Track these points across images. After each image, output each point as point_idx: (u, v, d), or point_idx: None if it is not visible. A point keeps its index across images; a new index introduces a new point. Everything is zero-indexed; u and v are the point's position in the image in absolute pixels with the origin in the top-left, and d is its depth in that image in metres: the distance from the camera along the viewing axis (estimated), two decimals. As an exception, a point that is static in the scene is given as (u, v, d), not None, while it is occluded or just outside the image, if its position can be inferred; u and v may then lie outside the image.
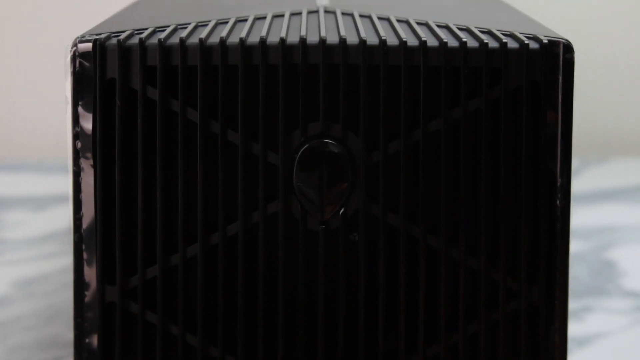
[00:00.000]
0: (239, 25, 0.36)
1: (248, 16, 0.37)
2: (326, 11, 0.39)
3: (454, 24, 0.36)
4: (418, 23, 0.36)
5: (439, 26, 0.36)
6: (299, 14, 0.38)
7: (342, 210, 0.34)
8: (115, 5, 0.79)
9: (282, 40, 0.33)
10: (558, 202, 0.34)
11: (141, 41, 0.33)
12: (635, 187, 0.72)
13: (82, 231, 0.34)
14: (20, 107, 0.82)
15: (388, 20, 0.37)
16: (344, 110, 0.33)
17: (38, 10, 0.80)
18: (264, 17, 0.37)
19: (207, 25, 0.35)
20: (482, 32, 0.35)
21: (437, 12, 0.39)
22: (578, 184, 0.71)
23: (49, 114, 0.81)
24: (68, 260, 0.55)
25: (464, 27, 0.35)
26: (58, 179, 0.73)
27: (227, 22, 0.36)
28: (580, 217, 0.63)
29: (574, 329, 0.45)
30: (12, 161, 0.79)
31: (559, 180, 0.34)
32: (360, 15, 0.38)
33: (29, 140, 0.82)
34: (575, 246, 0.58)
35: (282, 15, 0.38)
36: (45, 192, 0.71)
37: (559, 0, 0.81)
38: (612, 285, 0.52)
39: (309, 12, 0.39)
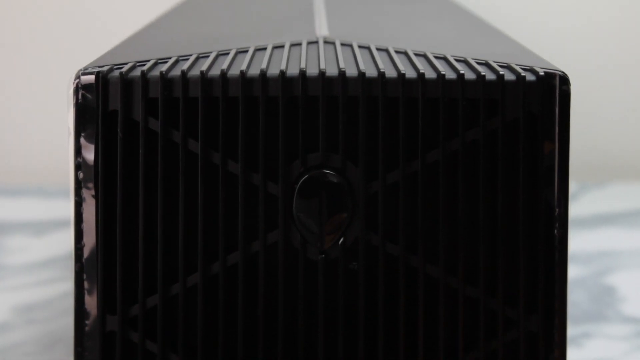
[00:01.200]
0: (240, 56, 0.36)
1: (249, 47, 0.38)
2: (326, 42, 0.39)
3: (452, 55, 0.36)
4: (416, 54, 0.37)
5: (436, 57, 0.36)
6: (299, 44, 0.39)
7: (341, 240, 0.34)
8: (118, 32, 0.80)
9: (282, 73, 0.33)
10: (556, 231, 0.34)
11: (143, 74, 0.33)
12: (633, 211, 0.73)
13: (83, 260, 0.35)
14: (21, 132, 0.83)
15: (386, 51, 0.37)
16: (343, 141, 0.34)
17: (41, 36, 0.81)
18: (265, 48, 0.38)
19: (208, 56, 0.36)
20: (479, 63, 0.35)
21: (435, 43, 0.40)
22: (576, 208, 0.72)
23: (50, 139, 0.82)
24: (68, 285, 0.55)
25: (462, 59, 0.36)
26: (58, 204, 0.74)
27: (227, 54, 0.37)
28: (579, 242, 0.64)
29: (574, 355, 0.45)
30: (12, 186, 0.79)
31: (557, 209, 0.34)
32: (359, 46, 0.38)
33: (29, 164, 0.83)
34: (574, 271, 0.58)
35: (282, 46, 0.38)
36: (46, 216, 0.71)
37: (557, 24, 0.82)
38: (611, 311, 0.52)
39: (309, 43, 0.39)
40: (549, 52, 0.80)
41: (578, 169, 0.81)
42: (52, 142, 0.82)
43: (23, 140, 0.83)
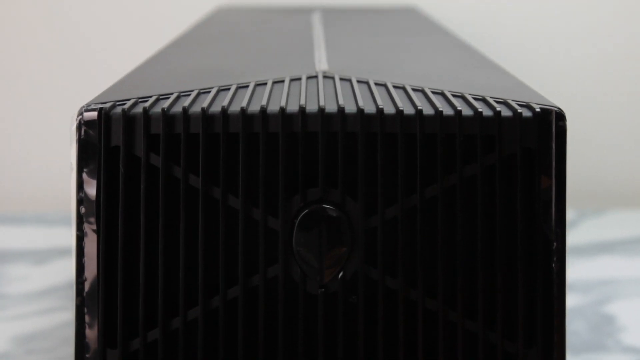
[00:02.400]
0: (240, 92, 0.37)
1: (249, 82, 0.38)
2: (325, 76, 0.40)
3: (449, 91, 0.37)
4: (414, 89, 0.37)
5: (434, 93, 0.36)
6: (299, 79, 0.39)
7: (341, 274, 0.35)
8: (120, 65, 0.80)
9: (282, 110, 0.34)
10: (553, 265, 0.35)
11: (145, 110, 0.34)
12: (632, 239, 0.73)
13: (84, 294, 0.35)
14: (21, 159, 0.83)
15: (385, 86, 0.38)
16: (342, 177, 0.34)
17: (41, 66, 0.82)
18: (265, 83, 0.38)
19: (209, 92, 0.36)
20: (476, 99, 0.36)
21: (432, 77, 0.40)
22: (575, 236, 0.72)
23: (50, 166, 0.82)
24: (68, 315, 0.55)
25: (459, 94, 0.36)
26: (58, 232, 0.74)
27: (228, 89, 0.37)
28: (578, 270, 0.64)
29: (574, 386, 0.45)
30: (12, 214, 0.79)
31: (554, 243, 0.35)
32: (358, 81, 0.39)
33: (29, 192, 0.83)
34: (573, 300, 0.58)
35: (283, 81, 0.39)
36: (46, 245, 0.72)
37: (554, 50, 0.82)
38: (611, 341, 0.52)
39: (308, 77, 0.40)
40: (546, 79, 0.81)
41: (577, 197, 0.82)
42: (52, 170, 0.82)
43: (23, 168, 0.83)
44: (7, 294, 0.61)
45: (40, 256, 0.68)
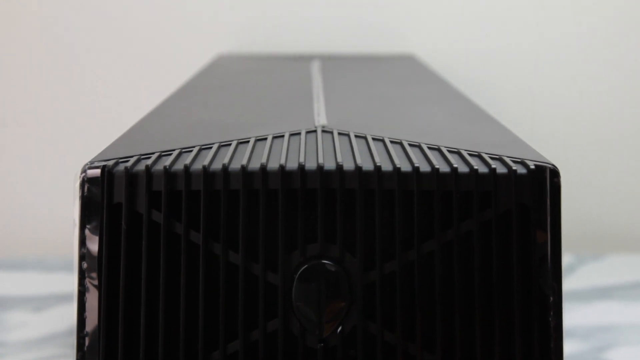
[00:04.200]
0: (241, 148, 0.37)
1: (249, 138, 0.39)
2: (324, 131, 0.41)
3: (445, 147, 0.37)
4: (411, 145, 0.38)
5: (430, 148, 0.37)
6: (298, 134, 0.40)
7: (340, 328, 0.35)
8: (121, 113, 0.81)
9: (282, 167, 0.34)
10: (550, 319, 0.35)
11: (147, 168, 0.34)
12: (631, 284, 0.73)
13: (85, 349, 0.35)
14: (22, 204, 0.84)
15: (382, 141, 0.39)
16: (341, 232, 0.35)
17: (41, 113, 0.83)
18: (265, 139, 0.39)
19: (210, 148, 0.37)
20: (471, 155, 0.36)
21: (429, 132, 0.41)
22: (573, 281, 0.72)
23: (50, 211, 0.83)
24: (67, 364, 0.55)
25: (455, 150, 0.37)
26: (59, 277, 0.74)
27: (229, 145, 0.38)
28: (577, 316, 0.64)
29: None
30: (12, 259, 0.79)
31: (551, 298, 0.35)
32: (356, 136, 0.40)
33: (29, 237, 0.83)
34: (573, 347, 0.58)
35: (282, 136, 0.39)
36: (46, 291, 0.72)
37: (552, 94, 0.83)
38: (611, 389, 0.52)
39: (308, 132, 0.40)
40: (543, 123, 0.82)
41: (575, 241, 0.82)
42: (52, 215, 0.83)
43: (23, 213, 0.84)
44: (6, 342, 0.61)
45: (39, 302, 0.68)
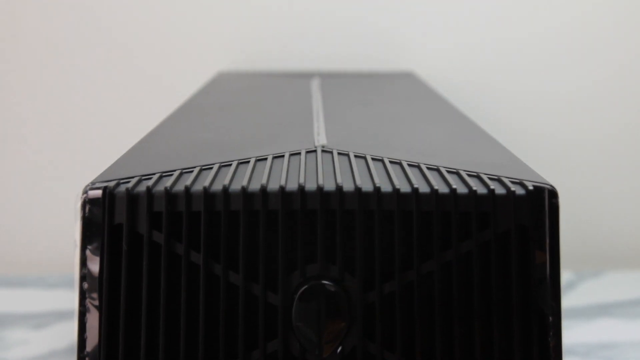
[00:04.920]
0: (241, 168, 0.38)
1: (250, 158, 0.39)
2: (323, 151, 0.41)
3: (444, 167, 0.38)
4: (410, 165, 0.38)
5: (429, 169, 0.37)
6: (298, 154, 0.40)
7: (340, 348, 0.35)
8: (123, 133, 0.81)
9: (282, 188, 0.34)
10: (550, 339, 0.35)
11: (148, 189, 0.35)
12: (631, 301, 0.73)
13: (86, 369, 0.35)
14: (22, 221, 0.84)
15: (382, 161, 0.39)
16: (340, 253, 0.35)
17: (37, 133, 0.83)
18: (265, 159, 0.39)
19: (211, 168, 0.37)
20: (470, 175, 0.36)
21: (428, 152, 0.41)
22: (573, 298, 0.72)
23: (51, 229, 0.83)
24: (67, 382, 0.55)
25: (454, 170, 0.37)
26: (59, 294, 0.74)
27: (230, 165, 0.38)
28: (577, 333, 0.64)
29: None
30: (13, 277, 0.79)
31: (550, 318, 0.35)
32: (356, 156, 0.40)
33: (30, 254, 0.83)
34: (573, 364, 0.58)
35: (282, 156, 0.40)
36: (46, 308, 0.72)
37: (551, 112, 0.84)
38: (612, 408, 0.52)
39: (307, 152, 0.41)
40: (541, 140, 0.82)
41: (575, 258, 0.82)
42: (52, 232, 0.83)
43: (24, 230, 0.84)
44: (7, 359, 0.61)
45: (40, 320, 0.68)
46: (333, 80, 0.72)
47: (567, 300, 0.71)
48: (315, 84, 0.69)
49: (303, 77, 0.74)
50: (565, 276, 0.77)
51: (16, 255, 0.84)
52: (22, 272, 0.82)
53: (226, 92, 0.65)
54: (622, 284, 0.77)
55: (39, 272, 0.81)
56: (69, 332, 0.65)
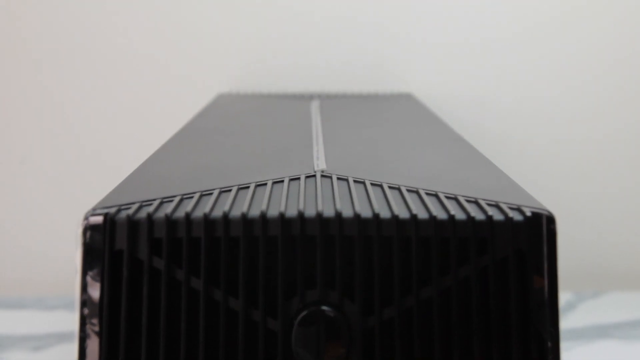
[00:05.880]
0: (241, 194, 0.38)
1: (250, 183, 0.39)
2: (323, 176, 0.41)
3: (442, 192, 0.38)
4: (409, 190, 0.38)
5: (428, 194, 0.38)
6: (298, 179, 0.41)
7: (339, 374, 0.35)
8: (123, 155, 0.82)
9: (282, 215, 0.35)
10: (549, 364, 0.35)
11: (149, 215, 0.35)
12: (631, 322, 0.73)
13: (85, 395, 0.35)
14: (21, 243, 0.84)
15: (381, 187, 0.39)
16: (340, 278, 0.35)
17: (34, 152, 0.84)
18: (265, 184, 0.39)
19: (211, 194, 0.38)
20: (468, 201, 0.37)
21: (427, 177, 0.42)
22: (573, 320, 0.72)
23: (50, 250, 0.83)
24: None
25: (452, 196, 0.37)
26: (58, 316, 0.74)
27: (230, 190, 0.38)
28: (577, 355, 0.64)
29: None
30: (11, 298, 0.79)
31: (549, 343, 0.35)
32: (355, 181, 0.40)
33: (28, 276, 0.83)
34: (574, 387, 0.58)
35: (282, 181, 0.40)
36: (45, 330, 0.72)
37: (548, 132, 0.84)
38: None
39: (307, 177, 0.41)
40: (540, 160, 0.82)
41: (574, 279, 0.82)
42: (51, 254, 0.83)
43: (23, 252, 0.84)
44: (6, 383, 0.60)
45: (39, 342, 0.68)
46: (332, 102, 0.72)
47: (567, 322, 0.71)
48: (314, 106, 0.69)
49: (303, 99, 0.74)
50: (564, 297, 0.77)
51: (15, 277, 0.84)
52: (21, 293, 0.82)
53: (226, 114, 0.65)
54: (622, 304, 0.77)
55: (38, 293, 0.81)
56: (69, 354, 0.65)
